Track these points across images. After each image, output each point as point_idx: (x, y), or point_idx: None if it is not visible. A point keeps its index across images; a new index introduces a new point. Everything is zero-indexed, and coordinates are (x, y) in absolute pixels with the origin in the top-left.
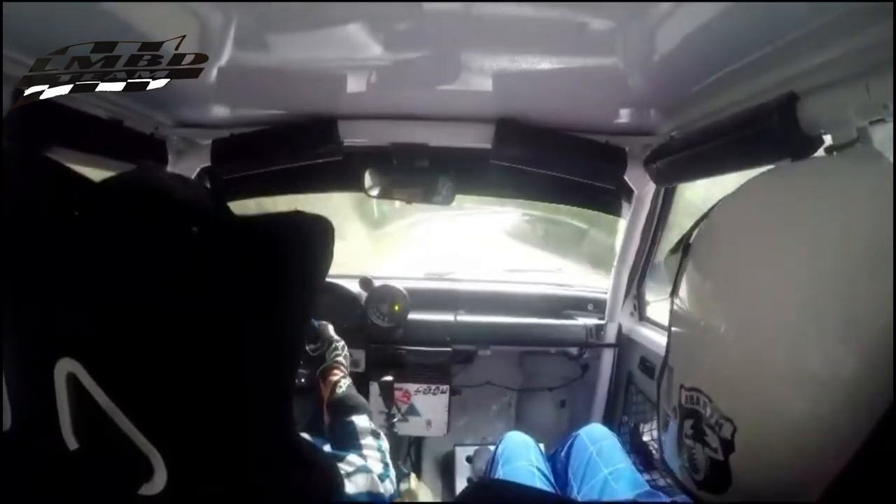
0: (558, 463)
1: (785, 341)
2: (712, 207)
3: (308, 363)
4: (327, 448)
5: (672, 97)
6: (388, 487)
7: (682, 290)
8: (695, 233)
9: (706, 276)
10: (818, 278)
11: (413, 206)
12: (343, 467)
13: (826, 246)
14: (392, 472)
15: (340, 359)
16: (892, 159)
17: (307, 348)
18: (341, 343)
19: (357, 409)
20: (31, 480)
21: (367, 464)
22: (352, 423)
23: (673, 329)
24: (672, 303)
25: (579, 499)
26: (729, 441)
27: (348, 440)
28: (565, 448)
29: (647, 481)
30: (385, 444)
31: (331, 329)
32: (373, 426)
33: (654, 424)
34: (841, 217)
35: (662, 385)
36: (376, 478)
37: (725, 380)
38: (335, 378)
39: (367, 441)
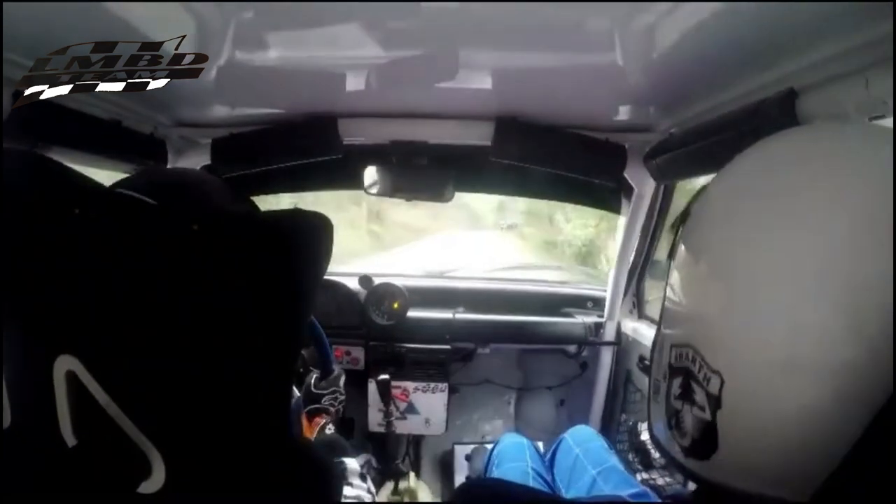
0: (545, 467)
1: (778, 297)
2: (717, 175)
3: (305, 398)
4: None
5: (671, 94)
6: None
7: (679, 254)
8: (698, 199)
9: (703, 235)
10: (817, 240)
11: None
12: None
13: (828, 210)
14: None
15: (334, 409)
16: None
17: (312, 383)
18: (343, 396)
19: (345, 452)
20: (30, 478)
21: (359, 494)
22: (342, 462)
23: (667, 294)
24: (669, 268)
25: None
26: (716, 397)
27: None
28: (551, 452)
29: (646, 480)
30: (373, 487)
31: (342, 380)
32: (360, 469)
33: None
34: (850, 182)
35: (655, 354)
36: None
37: (715, 331)
38: (323, 421)
39: (356, 482)
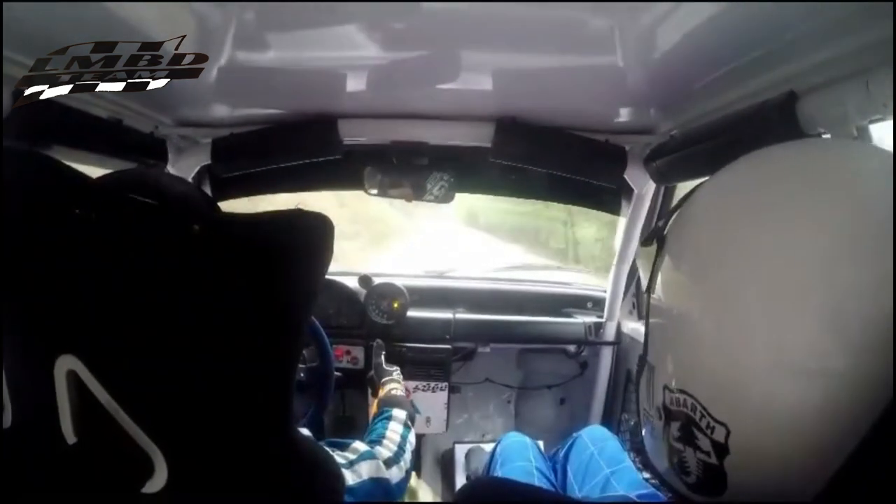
0: (557, 464)
1: (776, 335)
2: (689, 194)
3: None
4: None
5: (672, 96)
6: (394, 473)
7: (660, 284)
8: (670, 222)
9: (685, 268)
10: (808, 263)
11: None
12: (346, 455)
13: (817, 228)
14: (406, 459)
15: (399, 382)
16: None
17: (382, 363)
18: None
19: (402, 406)
20: (32, 478)
21: (371, 450)
22: (389, 411)
23: (651, 325)
24: (648, 298)
25: (580, 498)
26: (723, 444)
27: (379, 422)
28: (565, 449)
29: (647, 479)
30: (412, 437)
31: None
32: (408, 420)
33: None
34: (835, 198)
35: (642, 382)
36: (381, 463)
37: (716, 382)
38: (393, 387)
39: (393, 426)
